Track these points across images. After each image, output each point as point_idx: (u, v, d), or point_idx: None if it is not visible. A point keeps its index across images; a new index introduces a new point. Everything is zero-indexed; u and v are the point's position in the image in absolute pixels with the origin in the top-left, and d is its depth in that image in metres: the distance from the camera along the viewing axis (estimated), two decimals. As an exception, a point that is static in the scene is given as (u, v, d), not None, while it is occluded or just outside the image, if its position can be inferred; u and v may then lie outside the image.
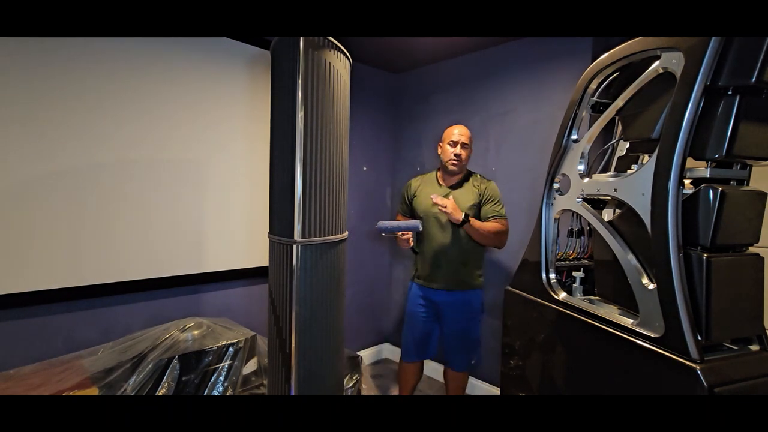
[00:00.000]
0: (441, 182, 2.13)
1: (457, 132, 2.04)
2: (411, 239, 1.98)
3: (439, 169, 2.17)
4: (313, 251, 1.27)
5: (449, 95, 2.71)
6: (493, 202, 2.03)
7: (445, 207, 1.84)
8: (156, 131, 1.87)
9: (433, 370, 2.79)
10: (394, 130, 3.08)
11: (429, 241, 2.08)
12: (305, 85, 1.21)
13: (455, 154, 2.02)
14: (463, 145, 2.03)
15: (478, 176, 2.12)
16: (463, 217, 1.88)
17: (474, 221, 1.93)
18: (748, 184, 1.18)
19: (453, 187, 2.09)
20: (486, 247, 2.10)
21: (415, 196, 2.18)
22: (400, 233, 1.95)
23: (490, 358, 2.49)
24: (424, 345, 2.19)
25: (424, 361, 2.29)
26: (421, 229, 1.92)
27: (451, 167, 2.05)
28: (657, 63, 1.16)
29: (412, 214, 2.22)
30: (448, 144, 2.05)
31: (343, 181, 1.39)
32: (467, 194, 2.04)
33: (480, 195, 2.04)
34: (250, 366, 1.76)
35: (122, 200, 1.79)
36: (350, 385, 1.95)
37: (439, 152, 2.11)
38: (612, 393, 1.22)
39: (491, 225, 1.98)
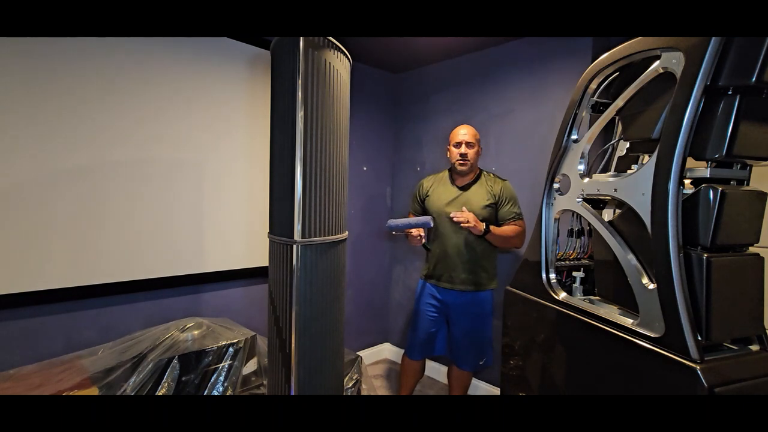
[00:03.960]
0: (453, 182, 2.13)
1: (462, 132, 2.05)
2: (422, 236, 1.98)
3: (450, 169, 2.17)
4: (313, 251, 1.27)
5: (449, 95, 2.71)
6: (510, 204, 2.03)
7: (467, 221, 1.84)
8: (154, 131, 1.87)
9: (435, 370, 2.79)
10: (394, 130, 3.08)
11: (441, 241, 2.08)
12: (305, 85, 1.21)
13: (461, 155, 2.02)
14: (468, 144, 2.03)
15: (491, 175, 2.11)
16: (484, 227, 1.88)
17: (494, 229, 1.93)
18: (748, 184, 1.18)
19: (465, 188, 2.08)
20: (499, 248, 2.10)
21: (427, 196, 2.18)
22: (410, 230, 1.96)
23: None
24: (429, 343, 2.19)
25: (427, 361, 2.28)
26: (432, 225, 1.90)
27: (459, 168, 2.05)
28: (657, 63, 1.16)
29: (424, 213, 2.22)
30: (453, 146, 2.06)
31: (343, 181, 1.39)
32: (479, 194, 2.04)
33: (493, 195, 2.03)
34: (250, 366, 1.76)
35: (122, 200, 1.79)
36: (350, 385, 1.95)
37: (448, 155, 2.11)
38: (612, 393, 1.22)
39: (510, 229, 1.98)
